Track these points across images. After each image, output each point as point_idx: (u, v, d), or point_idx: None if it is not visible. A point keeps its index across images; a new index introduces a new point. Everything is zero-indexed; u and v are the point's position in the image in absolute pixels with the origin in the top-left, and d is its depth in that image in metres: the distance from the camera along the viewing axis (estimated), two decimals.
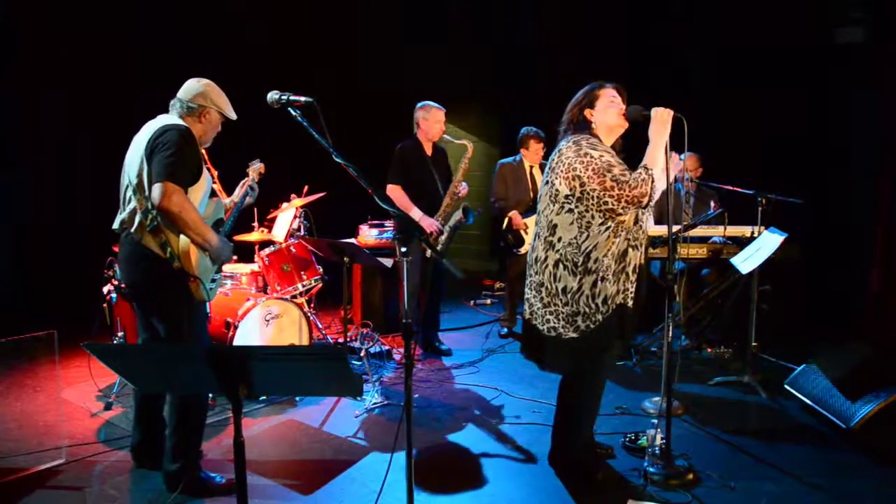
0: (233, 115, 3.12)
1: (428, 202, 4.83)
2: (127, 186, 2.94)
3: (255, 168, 3.57)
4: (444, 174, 4.99)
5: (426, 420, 3.94)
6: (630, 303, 3.05)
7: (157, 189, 2.73)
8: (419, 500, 3.05)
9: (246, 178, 3.50)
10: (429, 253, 4.67)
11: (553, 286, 2.99)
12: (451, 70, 7.95)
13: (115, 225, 2.99)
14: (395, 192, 4.79)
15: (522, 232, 5.25)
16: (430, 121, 4.84)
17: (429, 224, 4.74)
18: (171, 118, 2.98)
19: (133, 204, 2.89)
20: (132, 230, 2.90)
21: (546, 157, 5.30)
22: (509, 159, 5.48)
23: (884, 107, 5.03)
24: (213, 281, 3.09)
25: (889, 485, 3.22)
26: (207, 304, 3.12)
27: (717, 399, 4.28)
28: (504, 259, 5.47)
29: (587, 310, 2.96)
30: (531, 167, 5.40)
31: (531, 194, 5.36)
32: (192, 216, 2.81)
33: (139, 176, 2.85)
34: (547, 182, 3.03)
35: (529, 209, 5.30)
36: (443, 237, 4.79)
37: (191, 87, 3.02)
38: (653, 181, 2.85)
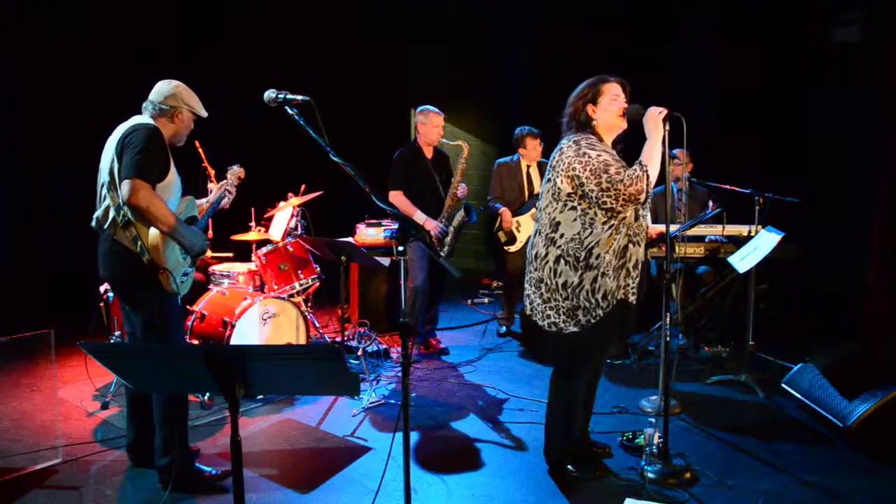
0: (204, 113, 3.20)
1: (431, 205, 4.86)
2: (102, 185, 3.02)
3: (234, 172, 3.65)
4: (446, 177, 5.02)
5: (424, 419, 3.94)
6: (632, 298, 3.05)
7: (125, 186, 2.83)
8: (416, 498, 3.06)
9: (224, 181, 3.60)
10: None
11: (553, 282, 2.99)
12: (449, 70, 7.94)
13: (93, 223, 3.07)
14: (397, 197, 4.82)
15: (514, 230, 5.26)
16: (429, 125, 4.87)
17: (433, 226, 4.77)
18: (142, 119, 3.06)
19: (107, 201, 2.98)
20: (106, 226, 2.99)
21: (545, 154, 5.30)
22: (506, 159, 5.49)
23: (881, 105, 5.03)
24: (186, 275, 3.17)
25: (886, 483, 3.23)
26: (179, 297, 3.16)
27: (715, 398, 4.29)
28: (501, 258, 5.47)
29: (587, 304, 2.97)
30: (528, 166, 5.40)
31: (525, 193, 5.36)
32: (160, 210, 2.89)
33: (111, 174, 2.95)
34: (549, 179, 3.04)
35: (522, 208, 5.31)
36: (448, 238, 4.82)
37: (162, 89, 3.09)
38: (648, 177, 2.87)
